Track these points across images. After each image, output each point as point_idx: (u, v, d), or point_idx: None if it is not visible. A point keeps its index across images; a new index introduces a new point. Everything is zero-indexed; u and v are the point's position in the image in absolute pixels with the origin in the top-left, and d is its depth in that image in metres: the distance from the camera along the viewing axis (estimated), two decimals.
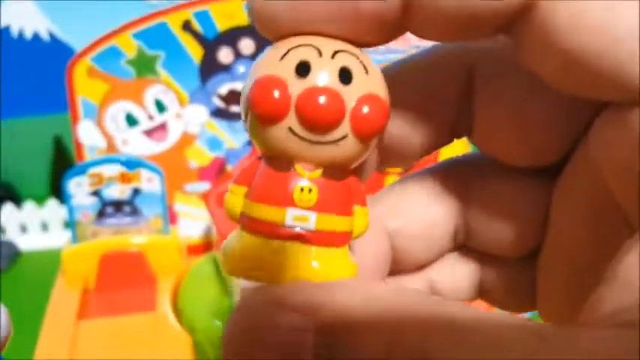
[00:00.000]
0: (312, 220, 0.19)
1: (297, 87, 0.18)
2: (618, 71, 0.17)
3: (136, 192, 0.88)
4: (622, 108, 0.18)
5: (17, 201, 1.12)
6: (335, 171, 0.19)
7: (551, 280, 0.24)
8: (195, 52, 0.91)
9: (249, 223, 0.19)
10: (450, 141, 0.24)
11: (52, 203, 1.10)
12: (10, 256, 1.05)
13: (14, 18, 1.13)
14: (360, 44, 0.20)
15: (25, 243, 1.08)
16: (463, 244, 0.25)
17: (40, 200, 1.12)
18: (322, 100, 0.18)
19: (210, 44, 0.91)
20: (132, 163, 0.87)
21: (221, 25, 0.90)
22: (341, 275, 0.19)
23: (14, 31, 1.14)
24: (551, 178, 0.23)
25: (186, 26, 0.89)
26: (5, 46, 1.14)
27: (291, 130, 0.18)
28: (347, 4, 0.19)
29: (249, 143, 0.97)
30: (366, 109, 0.18)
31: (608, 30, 0.17)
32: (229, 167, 0.96)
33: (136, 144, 0.94)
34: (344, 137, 0.19)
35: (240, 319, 0.18)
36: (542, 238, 0.24)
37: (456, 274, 0.25)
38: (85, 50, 0.88)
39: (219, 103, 0.95)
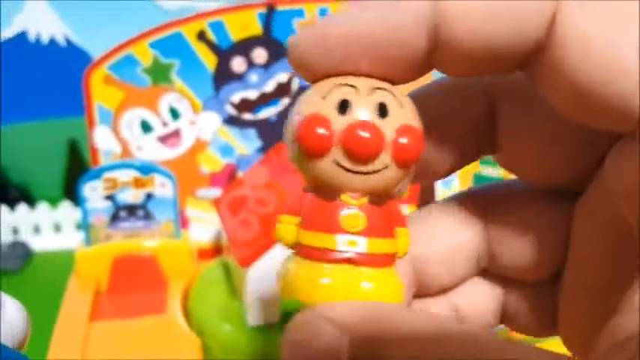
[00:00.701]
0: (361, 244, 0.21)
1: (339, 123, 0.20)
2: (622, 103, 0.18)
3: (149, 197, 0.90)
4: (632, 138, 0.19)
5: (31, 202, 1.15)
6: (378, 197, 0.21)
7: (573, 305, 0.24)
8: (209, 61, 0.93)
9: (302, 250, 0.21)
10: (473, 160, 0.26)
11: (66, 205, 1.13)
12: (23, 256, 1.07)
13: (31, 23, 1.16)
14: (390, 81, 0.21)
15: (38, 244, 1.11)
16: (486, 269, 0.26)
17: (53, 202, 1.14)
18: (363, 133, 0.20)
19: (224, 53, 0.93)
20: (146, 169, 0.89)
21: (235, 35, 0.92)
22: (390, 294, 0.21)
23: (31, 36, 1.16)
24: (572, 203, 0.24)
25: (201, 36, 0.91)
26: (22, 50, 1.17)
27: (336, 162, 0.20)
28: (377, 49, 0.20)
29: (260, 150, 0.99)
30: (404, 140, 0.20)
31: (612, 63, 0.18)
32: (240, 173, 0.98)
33: (150, 149, 0.96)
34: (386, 167, 0.20)
35: (293, 336, 0.20)
36: (564, 262, 0.24)
37: (480, 299, 0.26)
38: (102, 58, 0.90)
39: (231, 110, 0.97)
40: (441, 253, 0.25)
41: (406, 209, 0.83)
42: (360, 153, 0.20)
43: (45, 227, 1.13)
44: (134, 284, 0.89)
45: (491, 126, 0.25)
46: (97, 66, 0.90)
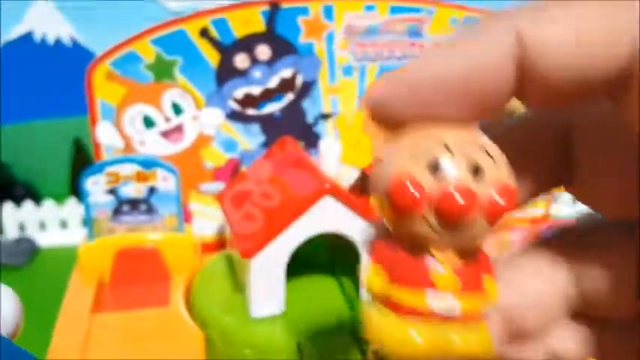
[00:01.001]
0: (451, 302, 0.20)
1: (432, 185, 0.20)
2: None
3: (152, 191, 0.91)
4: None
5: (37, 199, 1.16)
6: (468, 252, 0.21)
7: None
8: (212, 57, 0.94)
9: (390, 304, 0.21)
10: (549, 190, 0.25)
11: (72, 202, 1.14)
12: (29, 252, 1.08)
13: (37, 23, 1.17)
14: (473, 120, 0.21)
15: (44, 240, 1.12)
16: (578, 311, 0.25)
17: (59, 199, 1.15)
18: (458, 200, 0.19)
19: (226, 50, 0.94)
20: (148, 163, 0.89)
21: (238, 31, 0.93)
22: (481, 346, 0.21)
23: (37, 37, 1.18)
24: None
25: (204, 33, 0.92)
26: (28, 50, 1.18)
27: (427, 220, 0.20)
28: (463, 89, 0.20)
29: (264, 145, 0.99)
30: (501, 201, 0.20)
31: None
32: (243, 168, 0.99)
33: (152, 145, 0.97)
34: (478, 225, 0.20)
35: None
36: None
37: (573, 342, 0.25)
38: (105, 55, 0.91)
39: (234, 106, 0.97)
40: (530, 298, 0.25)
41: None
42: (453, 218, 0.19)
43: (51, 224, 1.14)
44: (137, 277, 0.90)
45: (567, 160, 0.24)
46: (99, 62, 0.91)
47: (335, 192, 0.72)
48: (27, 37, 1.18)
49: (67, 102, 1.20)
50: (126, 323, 0.79)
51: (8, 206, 1.11)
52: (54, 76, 1.19)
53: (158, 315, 0.80)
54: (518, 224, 1.03)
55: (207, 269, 0.88)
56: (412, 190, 0.19)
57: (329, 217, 0.72)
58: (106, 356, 0.71)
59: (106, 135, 0.95)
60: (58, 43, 1.18)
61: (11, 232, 1.11)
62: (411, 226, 0.20)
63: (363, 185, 1.06)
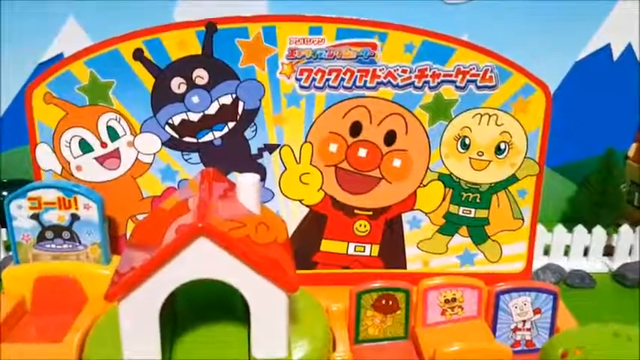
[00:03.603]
0: None
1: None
2: None
3: (75, 218, 0.88)
4: None
5: None
6: None
7: None
8: (146, 80, 0.89)
9: None
10: None
11: None
12: None
13: (67, 45, 1.19)
14: None
15: None
16: None
17: None
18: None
19: (162, 73, 0.89)
20: (69, 189, 0.86)
21: (173, 54, 0.89)
22: None
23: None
24: None
25: (138, 54, 0.88)
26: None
27: None
28: None
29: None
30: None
31: None
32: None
33: (89, 170, 0.93)
34: None
35: None
36: None
37: None
38: (43, 75, 0.90)
39: (172, 132, 0.92)
40: None
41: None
42: None
43: None
44: (53, 306, 0.86)
45: None
46: (37, 84, 0.90)
47: (211, 233, 0.64)
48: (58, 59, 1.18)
49: None
50: (18, 356, 0.75)
51: None
52: None
53: (49, 351, 0.76)
54: (468, 282, 0.89)
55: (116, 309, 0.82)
56: None
57: (204, 261, 0.65)
58: None
59: (44, 158, 0.93)
60: None
61: None
62: None
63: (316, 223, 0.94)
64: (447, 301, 0.87)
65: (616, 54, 1.29)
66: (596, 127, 1.31)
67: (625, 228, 1.17)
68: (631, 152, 1.32)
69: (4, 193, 1.18)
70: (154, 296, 0.66)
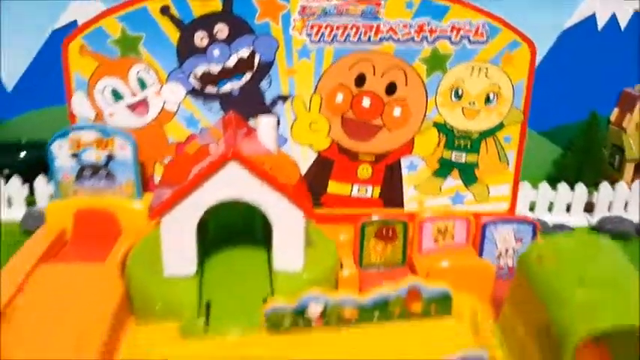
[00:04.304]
0: None
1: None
2: None
3: (111, 158, 0.98)
4: None
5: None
6: None
7: None
8: (172, 34, 0.99)
9: None
10: None
11: None
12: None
13: (81, 14, 1.28)
14: None
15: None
16: None
17: None
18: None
19: (186, 28, 0.99)
20: (107, 131, 0.97)
21: (196, 10, 0.98)
22: None
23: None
24: None
25: (164, 10, 0.98)
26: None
27: None
28: None
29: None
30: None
31: None
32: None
33: (120, 117, 1.04)
34: None
35: None
36: None
37: None
38: (78, 30, 0.99)
39: (195, 83, 1.02)
40: None
41: None
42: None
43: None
44: (91, 236, 0.97)
45: None
46: (73, 37, 0.99)
47: (240, 159, 0.75)
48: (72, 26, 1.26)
49: None
50: (64, 274, 0.86)
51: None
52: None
53: (93, 270, 0.87)
54: (459, 214, 1.01)
55: (151, 235, 0.93)
56: None
57: (234, 183, 0.76)
58: (30, 299, 0.78)
59: (80, 106, 1.03)
60: None
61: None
62: None
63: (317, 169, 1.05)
64: (439, 231, 0.99)
65: (601, 24, 1.39)
66: (580, 94, 1.42)
67: (604, 185, 1.29)
68: (613, 117, 1.42)
69: (22, 155, 1.29)
70: (190, 214, 0.77)
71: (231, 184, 0.76)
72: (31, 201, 1.23)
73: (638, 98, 1.37)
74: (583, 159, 1.38)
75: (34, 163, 1.24)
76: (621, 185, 1.30)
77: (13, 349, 0.69)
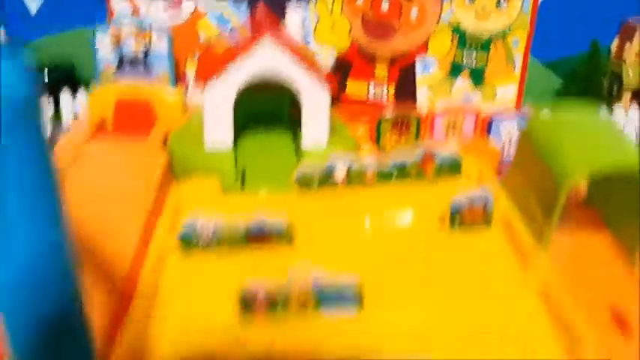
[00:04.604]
0: None
1: None
2: None
3: (148, 50, 1.07)
4: None
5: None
6: None
7: None
8: None
9: None
10: None
11: None
12: None
13: None
14: None
15: None
16: None
17: None
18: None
19: None
20: (144, 24, 1.05)
21: None
22: None
23: None
24: None
25: None
26: None
27: None
28: None
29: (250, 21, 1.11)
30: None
31: None
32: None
33: (156, 14, 1.11)
34: None
35: None
36: None
37: None
38: None
39: None
40: None
41: None
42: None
43: None
44: (131, 120, 1.06)
45: None
46: None
47: (274, 36, 0.83)
48: None
49: None
50: (110, 148, 0.96)
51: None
52: None
53: (137, 145, 0.96)
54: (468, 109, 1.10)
55: (191, 119, 1.02)
56: None
57: (269, 60, 0.84)
58: (79, 172, 0.88)
59: (118, 4, 1.11)
60: None
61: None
62: None
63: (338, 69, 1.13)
64: (450, 125, 1.08)
65: None
66: (582, 26, 1.48)
67: (603, 110, 1.37)
68: (614, 46, 1.49)
69: (45, 76, 1.37)
70: (229, 89, 0.86)
71: (266, 60, 0.84)
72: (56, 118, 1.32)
73: (637, 28, 1.43)
74: (584, 85, 1.46)
75: (59, 83, 1.32)
76: (619, 109, 1.39)
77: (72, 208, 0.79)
